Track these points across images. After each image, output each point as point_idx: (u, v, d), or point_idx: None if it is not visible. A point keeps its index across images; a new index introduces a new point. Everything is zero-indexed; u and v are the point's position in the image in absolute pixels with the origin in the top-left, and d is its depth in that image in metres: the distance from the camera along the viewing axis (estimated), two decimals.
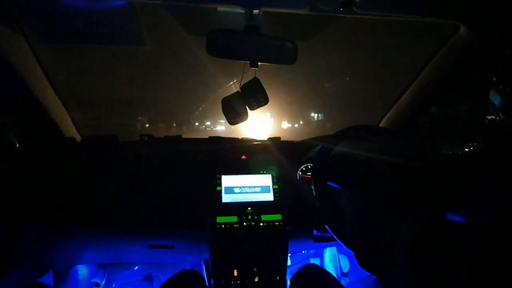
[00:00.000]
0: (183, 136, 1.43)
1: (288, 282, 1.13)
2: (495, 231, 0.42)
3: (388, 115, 1.38)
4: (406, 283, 0.49)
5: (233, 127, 1.10)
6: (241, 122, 1.07)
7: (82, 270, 1.58)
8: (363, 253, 0.65)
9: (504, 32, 0.85)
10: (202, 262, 1.35)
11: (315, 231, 1.19)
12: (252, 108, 1.04)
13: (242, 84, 1.00)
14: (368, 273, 0.65)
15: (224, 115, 1.05)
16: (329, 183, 0.92)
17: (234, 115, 1.05)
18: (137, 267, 1.75)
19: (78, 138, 1.35)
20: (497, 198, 0.88)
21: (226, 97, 1.03)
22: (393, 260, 0.52)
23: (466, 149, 1.06)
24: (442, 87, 1.11)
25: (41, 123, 1.18)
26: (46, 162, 1.17)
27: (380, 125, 1.45)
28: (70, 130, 1.31)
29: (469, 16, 0.82)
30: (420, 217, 0.55)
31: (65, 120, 1.27)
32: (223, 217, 1.12)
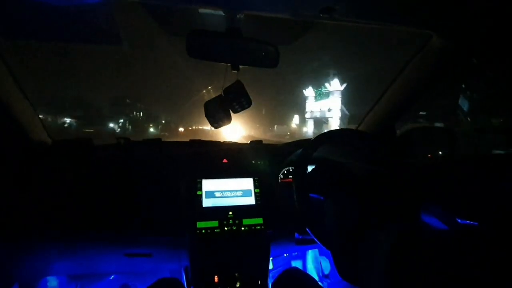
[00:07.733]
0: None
1: (270, 286, 1.12)
2: (472, 239, 0.44)
3: (366, 119, 1.42)
4: None
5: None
6: (224, 125, 1.06)
7: (52, 282, 1.48)
8: (342, 263, 0.66)
9: (471, 42, 0.91)
10: (182, 269, 1.31)
11: (296, 234, 1.19)
12: (235, 111, 1.03)
13: (224, 87, 0.99)
14: None
15: (207, 119, 1.04)
16: (311, 194, 0.92)
17: (217, 119, 1.04)
18: (112, 276, 1.66)
19: (49, 141, 1.27)
20: (467, 198, 0.93)
21: (209, 100, 1.02)
22: (372, 271, 0.53)
23: (438, 152, 1.11)
24: (416, 93, 1.17)
25: (6, 126, 1.09)
26: (12, 167, 1.09)
27: (359, 128, 1.49)
28: (40, 133, 1.23)
29: (440, 25, 0.87)
30: (396, 226, 0.56)
31: (34, 122, 1.19)
32: (203, 222, 1.09)
